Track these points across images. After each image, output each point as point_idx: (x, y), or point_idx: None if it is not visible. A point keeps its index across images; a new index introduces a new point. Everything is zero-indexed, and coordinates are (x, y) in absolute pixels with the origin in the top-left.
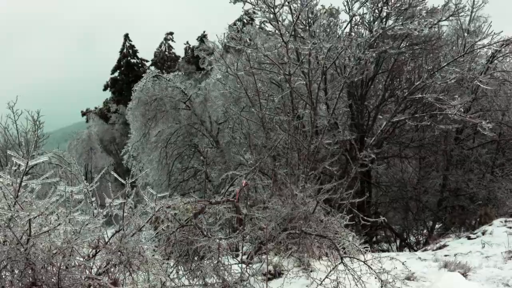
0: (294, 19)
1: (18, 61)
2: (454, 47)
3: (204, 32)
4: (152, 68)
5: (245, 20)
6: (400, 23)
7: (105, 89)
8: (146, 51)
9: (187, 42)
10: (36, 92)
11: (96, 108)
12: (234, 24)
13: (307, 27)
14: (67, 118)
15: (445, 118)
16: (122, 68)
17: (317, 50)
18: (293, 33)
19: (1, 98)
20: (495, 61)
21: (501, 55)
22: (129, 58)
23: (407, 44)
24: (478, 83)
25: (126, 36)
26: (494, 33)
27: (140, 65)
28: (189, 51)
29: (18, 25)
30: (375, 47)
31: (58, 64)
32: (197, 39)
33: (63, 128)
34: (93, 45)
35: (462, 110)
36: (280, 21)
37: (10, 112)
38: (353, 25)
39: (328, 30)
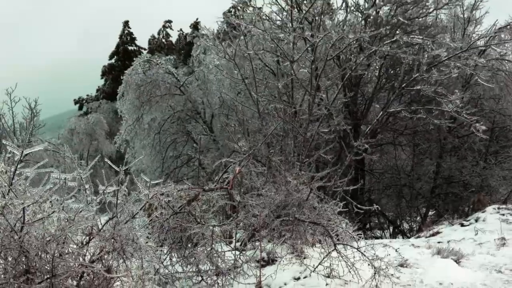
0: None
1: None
2: (450, 34)
3: (197, 19)
4: (149, 54)
5: (239, 7)
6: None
7: (102, 76)
8: (140, 40)
9: (181, 30)
10: (26, 77)
11: (88, 96)
12: (229, 11)
13: (313, 18)
14: (59, 106)
15: (441, 113)
16: (120, 55)
17: (325, 40)
18: (301, 21)
19: None
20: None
21: (495, 42)
22: (127, 45)
23: (403, 32)
24: (480, 80)
25: (126, 23)
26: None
27: (137, 52)
28: (183, 38)
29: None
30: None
31: (50, 51)
32: (190, 26)
33: (55, 116)
34: (88, 33)
35: (460, 105)
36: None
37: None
38: (348, 12)
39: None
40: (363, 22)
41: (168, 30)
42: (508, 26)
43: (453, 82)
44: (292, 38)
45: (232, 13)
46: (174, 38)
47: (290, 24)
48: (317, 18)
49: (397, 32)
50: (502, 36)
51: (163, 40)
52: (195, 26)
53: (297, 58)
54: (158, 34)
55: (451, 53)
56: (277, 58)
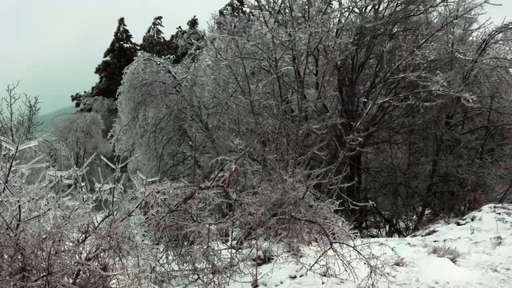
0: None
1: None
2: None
3: (194, 16)
4: (148, 55)
5: (235, 5)
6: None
7: (96, 72)
8: (136, 37)
9: (179, 27)
10: (22, 76)
11: (85, 92)
12: (225, 8)
13: (289, 13)
14: (57, 103)
15: (429, 95)
16: (115, 52)
17: (299, 36)
18: (278, 19)
19: None
20: (487, 48)
21: (493, 41)
22: (122, 43)
23: (398, 30)
24: (458, 55)
25: (121, 20)
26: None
27: (133, 50)
28: (180, 35)
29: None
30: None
31: (50, 50)
32: (187, 23)
33: (51, 113)
34: (88, 32)
35: (446, 84)
36: (263, 8)
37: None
38: (343, 11)
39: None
40: (358, 21)
41: (159, 27)
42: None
43: (452, 79)
44: (271, 38)
45: (228, 10)
46: (167, 34)
47: (265, 26)
48: (292, 16)
49: (395, 28)
50: (499, 36)
51: (155, 38)
52: (193, 23)
53: (279, 57)
54: (148, 31)
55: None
56: (262, 59)
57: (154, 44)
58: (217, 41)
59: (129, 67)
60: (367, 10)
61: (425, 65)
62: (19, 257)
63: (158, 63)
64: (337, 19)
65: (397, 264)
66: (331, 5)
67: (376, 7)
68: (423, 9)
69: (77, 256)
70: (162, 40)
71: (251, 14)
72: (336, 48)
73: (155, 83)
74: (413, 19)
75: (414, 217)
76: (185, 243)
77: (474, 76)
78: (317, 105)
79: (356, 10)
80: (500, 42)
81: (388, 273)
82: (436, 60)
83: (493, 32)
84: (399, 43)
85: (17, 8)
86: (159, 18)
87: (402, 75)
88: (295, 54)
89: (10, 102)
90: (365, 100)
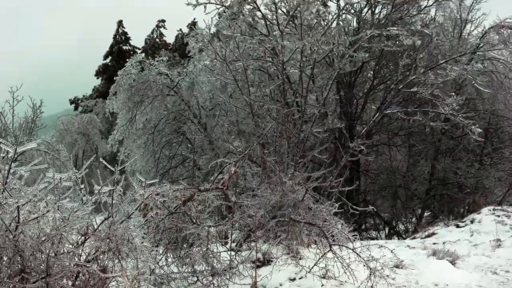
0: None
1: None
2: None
3: (194, 19)
4: (143, 55)
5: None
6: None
7: (96, 75)
8: (136, 39)
9: (180, 30)
10: (22, 76)
11: (84, 96)
12: (224, 11)
13: (292, 20)
14: (57, 105)
15: (436, 115)
16: (114, 55)
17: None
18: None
19: None
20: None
21: (486, 43)
22: (121, 45)
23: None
24: (476, 85)
25: (120, 23)
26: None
27: (132, 52)
28: (180, 38)
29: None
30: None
31: (51, 50)
32: (187, 26)
33: (51, 116)
34: (88, 33)
35: (456, 108)
36: (274, 11)
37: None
38: (341, 14)
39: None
40: (355, 23)
41: (162, 29)
42: (497, 26)
43: (447, 83)
44: (281, 40)
45: (227, 12)
46: (170, 37)
47: (277, 28)
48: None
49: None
50: (492, 35)
51: (157, 40)
52: (193, 25)
53: (286, 60)
54: (152, 33)
55: (448, 57)
56: (267, 61)
57: (157, 46)
58: (218, 43)
59: (123, 68)
60: (363, 12)
61: (436, 85)
62: (18, 259)
63: (153, 64)
64: (335, 22)
65: (397, 266)
66: (328, 6)
67: (373, 9)
68: (417, 10)
69: (76, 258)
70: (164, 43)
71: (252, 19)
72: (343, 61)
73: (150, 83)
74: (412, 20)
75: (414, 219)
76: (185, 245)
77: (466, 80)
78: (319, 110)
79: (352, 11)
80: (497, 42)
81: (387, 276)
82: (447, 81)
83: (484, 34)
84: (413, 56)
85: (17, 8)
86: (163, 21)
87: (415, 89)
88: (302, 60)
89: (13, 104)
90: (373, 107)
